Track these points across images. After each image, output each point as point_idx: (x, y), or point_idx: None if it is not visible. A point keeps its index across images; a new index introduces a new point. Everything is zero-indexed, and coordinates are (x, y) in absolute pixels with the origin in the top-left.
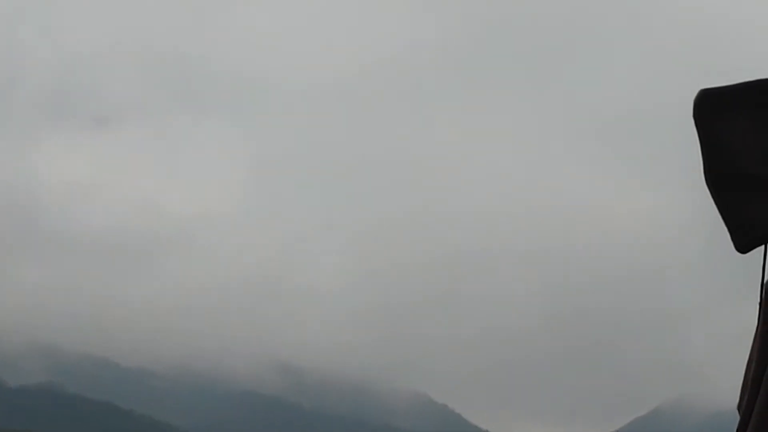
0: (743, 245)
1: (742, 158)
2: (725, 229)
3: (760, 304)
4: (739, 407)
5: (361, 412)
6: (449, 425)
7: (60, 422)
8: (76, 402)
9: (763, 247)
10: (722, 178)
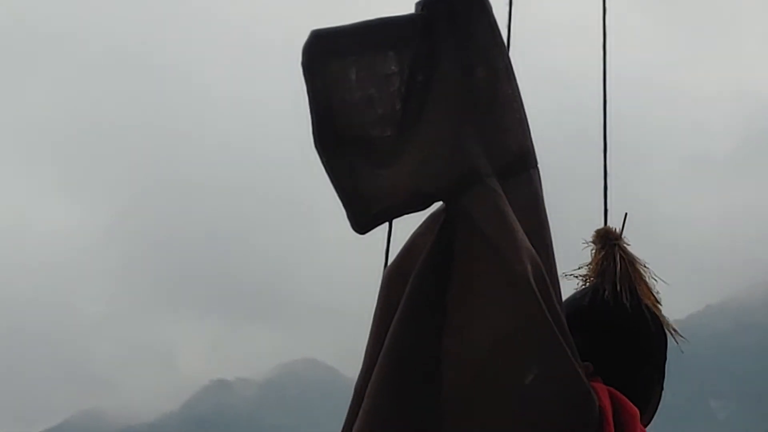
0: (360, 224)
1: (357, 117)
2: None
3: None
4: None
5: None
6: None
7: None
8: None
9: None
10: (333, 142)
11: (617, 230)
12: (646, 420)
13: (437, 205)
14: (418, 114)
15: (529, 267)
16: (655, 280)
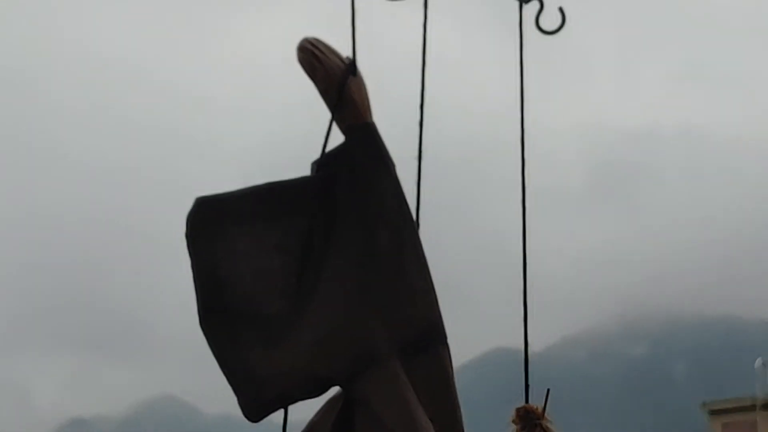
0: (253, 412)
1: (246, 292)
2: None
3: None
4: None
5: None
6: None
7: None
8: None
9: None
10: (220, 320)
11: (539, 408)
12: None
13: (336, 390)
14: (315, 288)
15: None
16: None
